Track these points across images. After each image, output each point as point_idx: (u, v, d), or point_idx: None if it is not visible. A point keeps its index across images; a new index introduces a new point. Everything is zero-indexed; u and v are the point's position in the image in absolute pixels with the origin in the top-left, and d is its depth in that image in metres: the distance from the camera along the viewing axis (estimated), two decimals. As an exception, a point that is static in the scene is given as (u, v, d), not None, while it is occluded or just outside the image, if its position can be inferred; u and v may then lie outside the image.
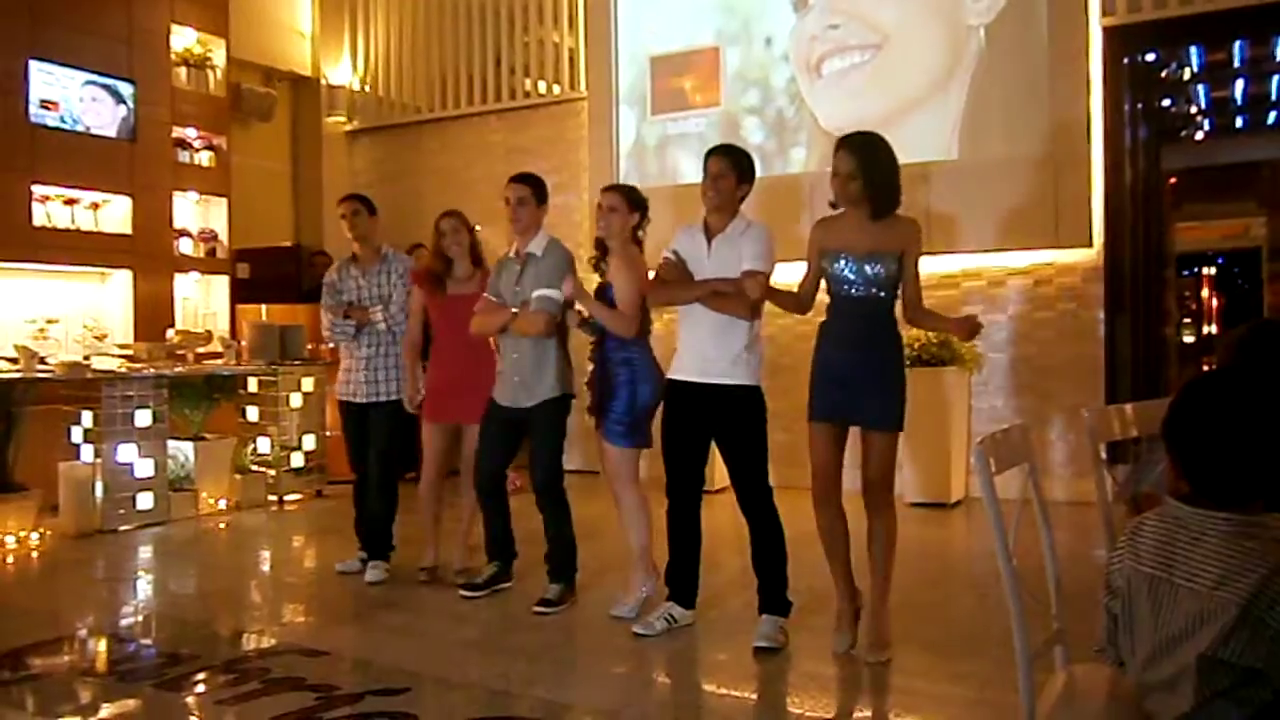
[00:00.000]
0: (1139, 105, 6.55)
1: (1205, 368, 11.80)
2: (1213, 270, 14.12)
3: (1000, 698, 3.01)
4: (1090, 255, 6.37)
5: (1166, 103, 8.22)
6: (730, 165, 3.66)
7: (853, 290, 3.43)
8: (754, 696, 3.27)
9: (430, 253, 4.72)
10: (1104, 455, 2.50)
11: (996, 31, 6.53)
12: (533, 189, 4.30)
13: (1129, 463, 3.11)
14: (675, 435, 3.71)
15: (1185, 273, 13.55)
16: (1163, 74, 7.56)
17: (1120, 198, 6.39)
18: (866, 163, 3.41)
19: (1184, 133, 9.46)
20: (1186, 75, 8.11)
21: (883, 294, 3.43)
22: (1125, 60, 6.42)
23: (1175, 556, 1.64)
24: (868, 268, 3.40)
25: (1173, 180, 8.88)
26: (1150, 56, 6.81)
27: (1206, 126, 9.63)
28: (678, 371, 3.74)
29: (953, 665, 3.42)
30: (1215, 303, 14.11)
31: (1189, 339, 13.25)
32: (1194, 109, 9.11)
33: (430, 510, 4.69)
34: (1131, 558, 1.72)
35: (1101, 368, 6.35)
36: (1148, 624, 1.67)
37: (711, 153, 3.74)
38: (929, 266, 6.73)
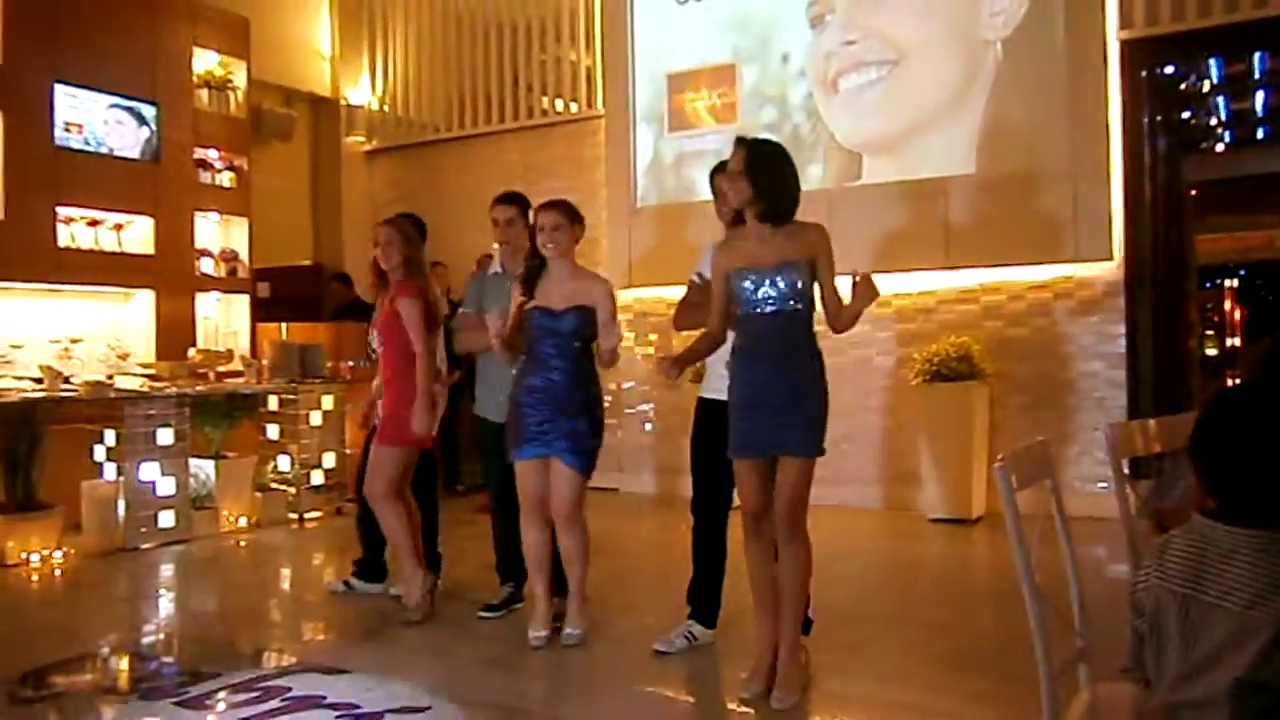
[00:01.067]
0: (1158, 118, 6.52)
1: (1230, 381, 11.70)
2: (1235, 282, 14.01)
3: (1023, 717, 2.97)
4: (1110, 269, 6.33)
5: (1186, 115, 8.18)
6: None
7: (766, 307, 3.23)
8: (774, 714, 3.24)
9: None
10: (1126, 470, 2.48)
11: (1013, 46, 6.52)
12: (519, 208, 4.36)
13: (1152, 478, 3.07)
14: (708, 453, 3.66)
15: (1207, 285, 13.46)
16: (1182, 86, 7.53)
17: (1140, 210, 6.35)
18: (755, 160, 3.23)
19: (1204, 145, 9.40)
20: (1206, 87, 8.07)
21: (799, 306, 3.24)
22: (1144, 73, 6.39)
23: (1205, 574, 1.61)
24: (780, 281, 3.22)
25: (1194, 192, 8.82)
26: (1169, 69, 6.78)
27: (1227, 138, 9.57)
28: (710, 391, 3.71)
29: (974, 683, 3.39)
30: (1238, 315, 13.99)
31: (1212, 352, 13.14)
32: (1214, 121, 9.06)
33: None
34: (1159, 576, 1.69)
35: (1123, 382, 6.30)
36: (1177, 643, 1.64)
37: (715, 171, 3.70)
38: (949, 281, 6.80)
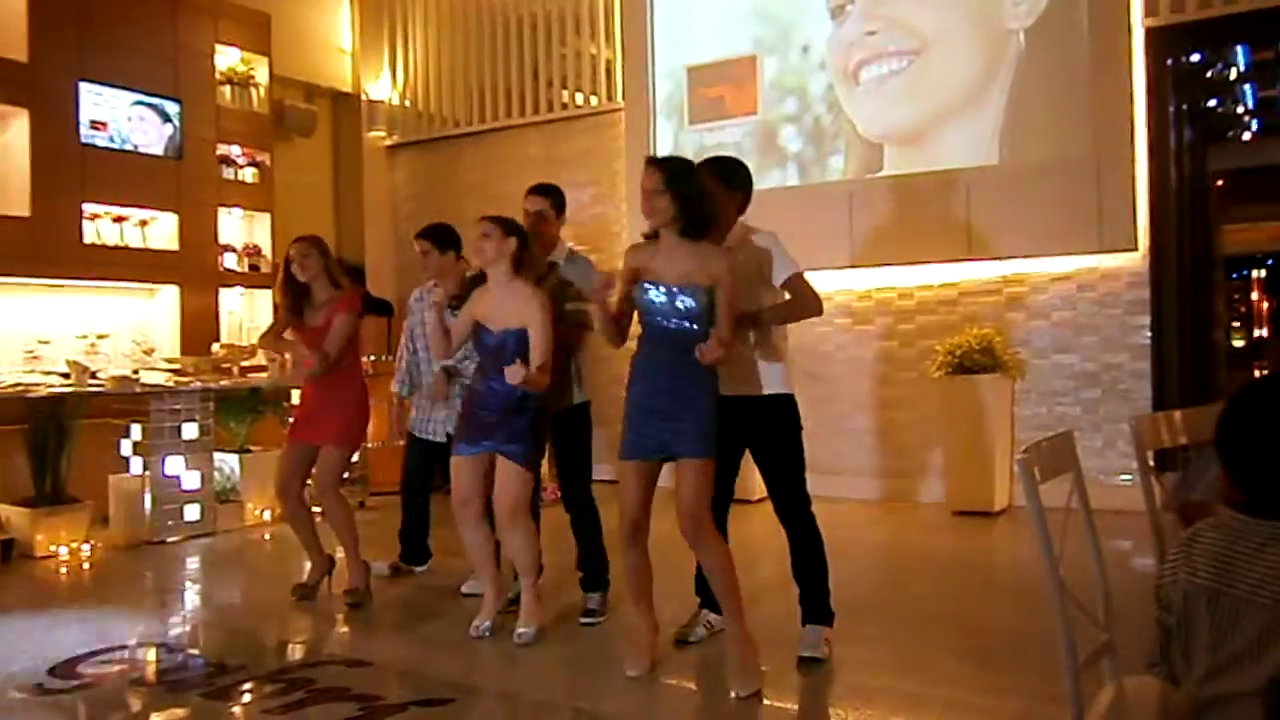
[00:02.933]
0: (1184, 106, 6.43)
1: (1257, 373, 11.55)
2: (1263, 273, 13.82)
3: (1048, 710, 2.96)
4: (1135, 259, 6.27)
5: (1212, 103, 8.07)
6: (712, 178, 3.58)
7: (666, 321, 3.29)
8: (796, 707, 3.25)
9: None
10: (1151, 463, 2.46)
11: (1036, 35, 6.46)
12: (550, 200, 4.40)
13: (1177, 471, 3.04)
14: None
15: (1234, 275, 13.28)
16: (1208, 74, 7.42)
17: (1165, 200, 6.28)
18: (674, 177, 3.26)
19: (1231, 133, 9.27)
20: (1233, 75, 7.96)
21: (695, 328, 3.26)
22: (1169, 61, 6.31)
23: (1235, 569, 1.59)
24: (680, 300, 3.26)
25: (1220, 182, 8.71)
26: (1195, 57, 6.69)
27: (1254, 127, 9.43)
28: None
29: (998, 677, 3.38)
30: (1266, 306, 13.81)
31: (1239, 343, 12.98)
32: (1241, 109, 8.93)
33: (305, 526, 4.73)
34: (1186, 570, 1.66)
35: (1148, 374, 6.25)
36: (1206, 639, 1.61)
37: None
38: (971, 273, 6.76)
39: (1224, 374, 7.09)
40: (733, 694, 3.23)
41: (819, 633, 3.59)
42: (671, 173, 3.29)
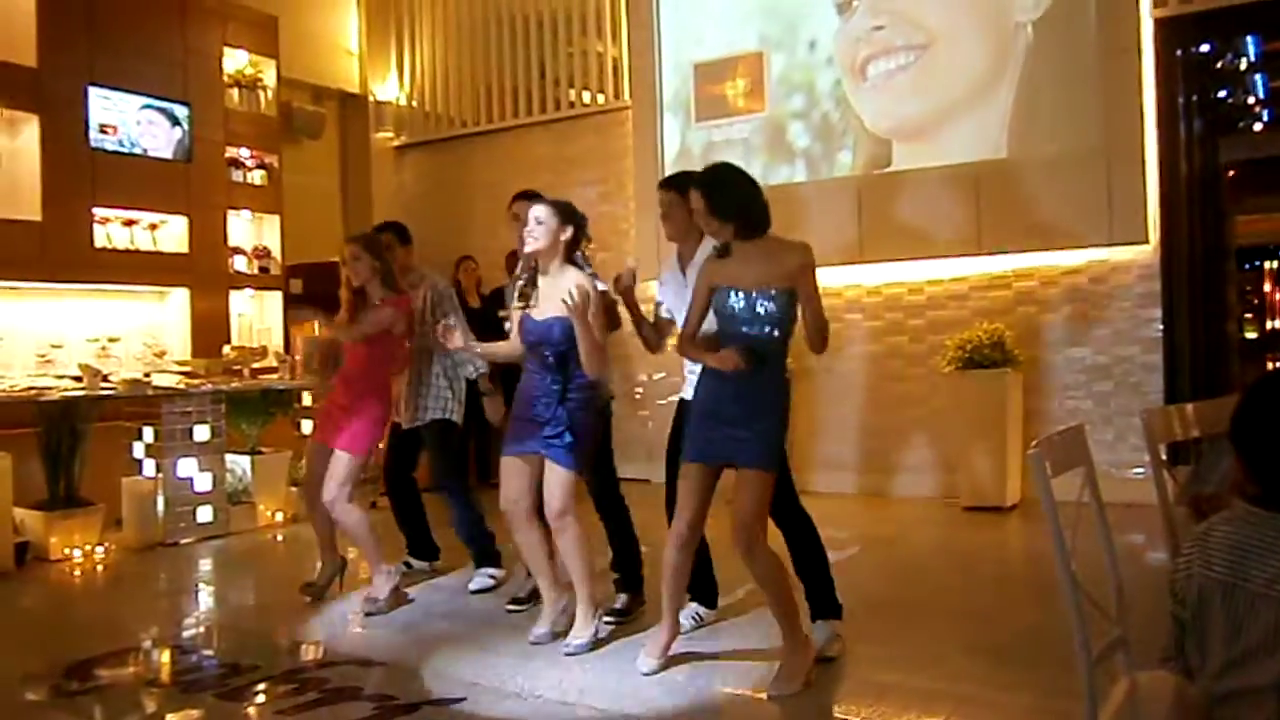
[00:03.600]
0: (1194, 97, 6.40)
1: (1270, 366, 11.50)
2: (1275, 264, 13.73)
3: (1061, 706, 2.94)
4: (1146, 252, 6.24)
5: (1223, 94, 8.03)
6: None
7: (743, 328, 3.24)
8: (809, 703, 3.24)
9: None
10: (1164, 456, 2.45)
11: (1045, 27, 6.43)
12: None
13: (1190, 464, 3.03)
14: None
15: (1246, 267, 13.18)
16: (1218, 65, 7.38)
17: (1176, 192, 6.25)
18: (710, 191, 3.28)
19: (1242, 124, 9.21)
20: (1243, 65, 7.91)
21: (775, 334, 3.25)
22: (1179, 52, 6.28)
23: (1250, 562, 1.58)
24: (759, 305, 3.23)
25: (1231, 173, 8.65)
26: (1205, 47, 6.65)
27: (1265, 117, 9.37)
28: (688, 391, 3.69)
29: (1012, 672, 3.37)
30: (1279, 297, 13.72)
31: (1252, 335, 12.89)
32: (1252, 100, 8.87)
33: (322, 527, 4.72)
34: (1201, 563, 1.65)
35: (1160, 366, 6.22)
36: (1221, 632, 1.60)
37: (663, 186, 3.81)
38: (981, 267, 6.74)
39: (1237, 366, 7.04)
40: (766, 694, 3.23)
41: (829, 629, 3.58)
42: (708, 186, 3.29)
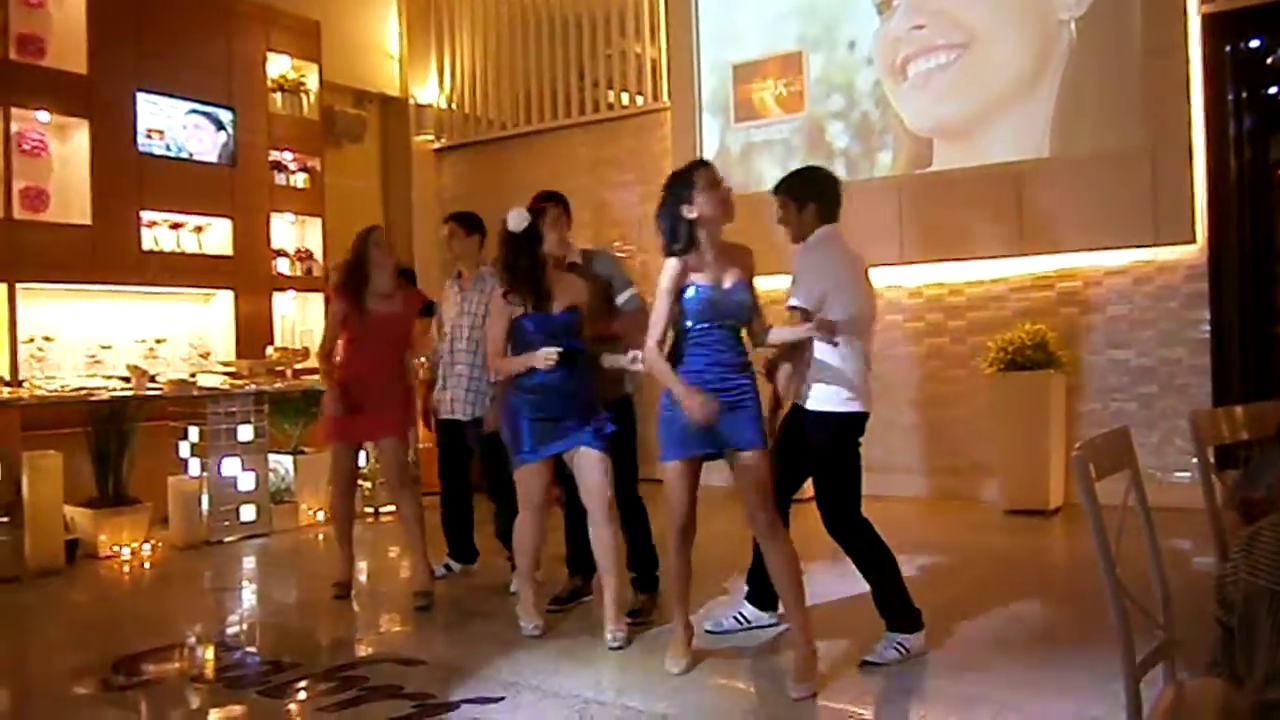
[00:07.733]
0: (1243, 94, 6.26)
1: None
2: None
3: (1104, 713, 2.90)
4: (1193, 252, 6.13)
5: (1273, 90, 7.86)
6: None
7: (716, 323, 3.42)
8: (847, 707, 3.22)
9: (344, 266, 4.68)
10: (1212, 459, 2.40)
11: (1088, 24, 6.34)
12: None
13: (1239, 467, 2.97)
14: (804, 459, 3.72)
15: (1297, 267, 12.91)
16: (1268, 60, 7.23)
17: (1225, 191, 6.13)
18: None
19: (1293, 121, 9.02)
20: (1294, 61, 7.74)
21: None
22: (1227, 48, 6.16)
23: None
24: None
25: (1282, 171, 8.48)
26: (1254, 43, 6.51)
27: (1317, 114, 9.17)
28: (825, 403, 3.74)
29: (1052, 678, 3.32)
30: (1331, 298, 13.40)
31: (1303, 337, 12.62)
32: (1303, 96, 8.68)
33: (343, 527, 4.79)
34: (1248, 569, 1.62)
35: (1208, 368, 6.10)
36: (1268, 640, 1.57)
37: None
38: (1023, 268, 6.65)
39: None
40: (791, 695, 3.24)
41: (889, 640, 3.56)
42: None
